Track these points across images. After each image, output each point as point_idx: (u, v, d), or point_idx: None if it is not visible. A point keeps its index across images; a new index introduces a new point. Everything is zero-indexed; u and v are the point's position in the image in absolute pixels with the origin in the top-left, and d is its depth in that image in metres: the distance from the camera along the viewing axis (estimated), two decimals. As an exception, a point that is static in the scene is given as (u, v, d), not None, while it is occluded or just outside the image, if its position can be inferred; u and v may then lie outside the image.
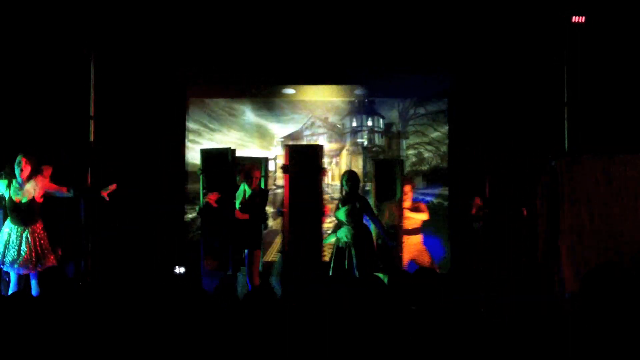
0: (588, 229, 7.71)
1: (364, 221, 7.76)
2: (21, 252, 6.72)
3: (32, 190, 6.82)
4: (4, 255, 6.75)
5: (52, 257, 6.89)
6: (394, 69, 9.18)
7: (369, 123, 10.77)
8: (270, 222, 8.71)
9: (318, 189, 7.42)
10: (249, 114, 10.55)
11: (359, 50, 8.98)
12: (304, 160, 7.40)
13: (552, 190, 7.85)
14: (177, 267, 8.15)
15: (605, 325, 3.49)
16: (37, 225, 6.87)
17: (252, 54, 9.09)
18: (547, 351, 3.45)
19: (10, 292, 6.76)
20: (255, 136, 10.64)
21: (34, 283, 6.84)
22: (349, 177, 7.79)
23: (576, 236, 7.77)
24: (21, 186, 6.83)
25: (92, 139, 8.72)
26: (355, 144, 11.16)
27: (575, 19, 8.17)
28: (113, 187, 7.10)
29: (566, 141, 8.53)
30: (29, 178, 6.83)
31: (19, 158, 6.81)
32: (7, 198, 6.82)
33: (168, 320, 3.74)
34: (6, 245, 6.77)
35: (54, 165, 7.11)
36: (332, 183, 12.46)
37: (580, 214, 7.76)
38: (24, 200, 6.81)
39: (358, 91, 10.48)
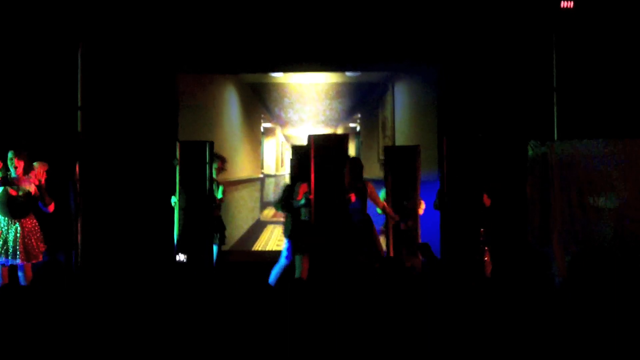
0: (579, 214, 7.76)
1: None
2: (8, 242, 6.69)
3: (28, 186, 6.82)
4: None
5: (40, 252, 6.87)
6: (381, 57, 9.15)
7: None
8: None
9: (343, 177, 7.42)
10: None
11: (347, 37, 8.96)
12: (329, 149, 7.44)
13: (542, 176, 7.88)
14: (179, 254, 8.12)
15: (593, 308, 3.51)
16: (28, 218, 6.86)
17: (241, 39, 9.05)
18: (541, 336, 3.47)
19: None
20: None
21: (20, 275, 6.80)
22: (352, 164, 7.82)
23: (567, 221, 7.81)
24: (17, 180, 6.82)
25: (80, 129, 8.67)
26: (347, 129, 11.12)
27: (564, 4, 8.18)
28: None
29: (555, 127, 8.55)
30: (24, 173, 6.84)
31: (10, 154, 6.81)
32: (0, 192, 6.79)
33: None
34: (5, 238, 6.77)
35: (47, 162, 7.06)
36: None
37: (570, 199, 7.80)
38: (20, 193, 6.81)
39: (350, 73, 10.45)
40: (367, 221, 7.80)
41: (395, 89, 10.76)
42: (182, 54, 9.18)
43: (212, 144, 7.61)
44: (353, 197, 7.63)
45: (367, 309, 3.65)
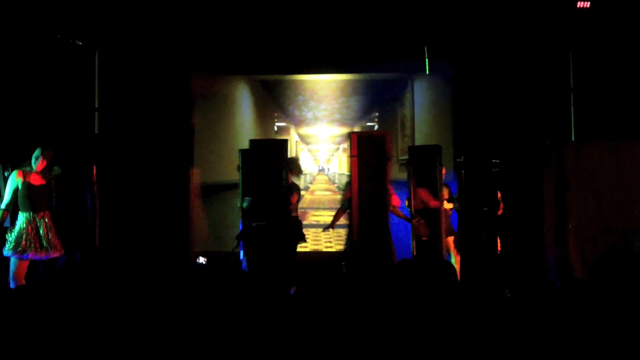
0: (595, 215, 7.73)
1: None
2: (29, 237, 6.78)
3: (47, 177, 7.02)
4: (11, 243, 6.83)
5: (58, 247, 6.98)
6: (395, 56, 9.11)
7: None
8: None
9: (385, 175, 7.38)
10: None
11: (361, 38, 8.93)
12: (371, 148, 7.41)
13: (559, 177, 7.86)
14: (200, 257, 8.17)
15: (615, 310, 3.48)
16: (47, 212, 6.99)
17: (255, 41, 9.05)
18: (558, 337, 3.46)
19: (11, 283, 6.79)
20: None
21: (42, 269, 6.92)
22: None
23: (583, 222, 7.79)
24: (37, 174, 6.98)
25: (97, 131, 8.72)
26: (363, 127, 10.98)
27: (580, 4, 8.14)
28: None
29: (572, 128, 8.51)
30: (43, 171, 7.03)
31: (37, 152, 7.00)
32: (21, 186, 6.92)
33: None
34: (17, 232, 6.86)
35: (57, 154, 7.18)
36: (339, 172, 12.17)
37: (587, 200, 7.78)
38: (36, 184, 6.94)
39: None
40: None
41: (415, 85, 10.51)
42: (196, 56, 9.21)
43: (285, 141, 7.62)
44: (395, 200, 7.62)
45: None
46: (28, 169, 6.98)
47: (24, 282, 6.83)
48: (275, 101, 11.46)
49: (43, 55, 8.42)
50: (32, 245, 6.79)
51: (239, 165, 7.41)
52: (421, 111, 10.37)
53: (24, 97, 8.24)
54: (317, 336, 3.75)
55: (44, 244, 6.86)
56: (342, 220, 8.15)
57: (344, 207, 7.94)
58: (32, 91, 8.32)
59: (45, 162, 7.00)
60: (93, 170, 8.29)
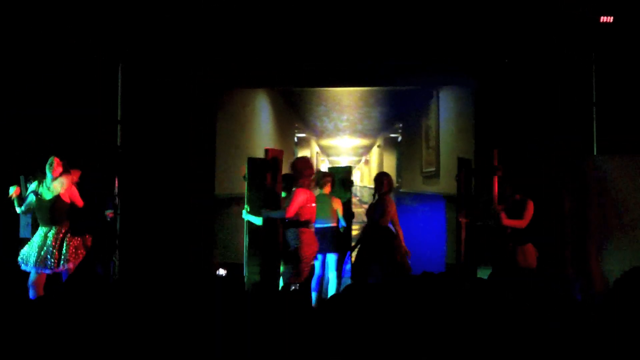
0: (617, 230, 7.68)
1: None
2: (41, 250, 6.83)
3: (59, 186, 6.98)
4: (29, 255, 6.88)
5: (72, 262, 6.97)
6: (419, 71, 9.06)
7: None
8: None
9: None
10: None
11: (383, 52, 8.93)
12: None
13: (580, 191, 7.82)
14: (219, 269, 8.18)
15: (635, 329, 3.46)
16: (63, 226, 6.98)
17: (277, 56, 9.07)
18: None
19: (31, 293, 6.86)
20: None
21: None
22: (377, 179, 7.75)
23: (605, 237, 7.75)
24: (47, 188, 6.99)
25: (119, 143, 8.79)
26: (386, 139, 10.71)
27: (603, 18, 8.09)
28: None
29: (594, 142, 8.46)
30: (57, 183, 7.01)
31: (51, 159, 6.98)
32: (35, 199, 6.97)
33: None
34: (33, 245, 6.92)
35: (82, 170, 7.22)
36: (361, 185, 11.96)
37: (608, 215, 7.73)
38: (48, 197, 6.96)
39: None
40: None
41: (441, 96, 10.29)
42: (221, 71, 9.25)
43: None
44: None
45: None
46: (44, 182, 6.97)
47: (42, 292, 6.89)
48: (295, 112, 11.30)
49: (67, 66, 8.50)
50: (45, 259, 6.85)
51: (245, 175, 7.27)
52: (446, 123, 10.14)
53: (46, 108, 8.33)
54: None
55: (60, 257, 6.90)
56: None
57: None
58: (54, 100, 8.41)
59: (60, 169, 6.96)
60: (115, 182, 8.36)
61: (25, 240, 7.22)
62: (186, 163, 9.00)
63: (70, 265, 6.95)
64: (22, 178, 7.16)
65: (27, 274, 6.98)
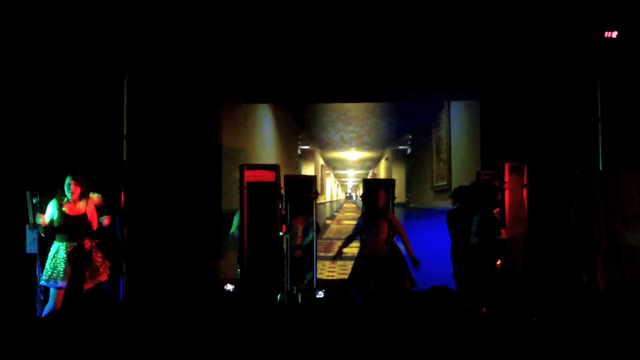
0: (624, 243, 7.70)
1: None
2: (59, 266, 6.82)
3: (83, 204, 6.97)
4: (47, 271, 6.86)
5: (105, 274, 7.02)
6: (425, 88, 9.06)
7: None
8: None
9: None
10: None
11: (389, 67, 8.95)
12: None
13: (587, 204, 7.83)
14: (227, 284, 8.20)
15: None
16: (86, 241, 6.94)
17: (283, 71, 9.10)
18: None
19: (46, 311, 6.84)
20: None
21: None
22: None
23: (611, 249, 7.76)
24: (73, 203, 6.96)
25: (125, 158, 8.79)
26: (395, 151, 10.46)
27: (607, 34, 8.12)
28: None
29: (600, 157, 8.48)
30: (80, 198, 6.98)
31: (68, 180, 6.96)
32: (57, 216, 6.92)
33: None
34: (51, 261, 6.88)
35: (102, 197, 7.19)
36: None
37: (615, 227, 7.75)
38: (72, 214, 6.93)
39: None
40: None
41: (452, 107, 10.11)
42: (224, 84, 9.28)
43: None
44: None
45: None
46: (65, 199, 6.96)
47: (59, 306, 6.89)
48: (299, 123, 11.09)
49: (72, 81, 8.50)
50: (65, 275, 6.82)
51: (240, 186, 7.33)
52: (458, 134, 9.96)
53: (51, 124, 8.32)
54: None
55: (93, 270, 6.90)
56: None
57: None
58: (59, 117, 8.41)
59: (78, 189, 6.93)
60: (121, 197, 8.36)
61: (32, 256, 7.21)
62: (192, 178, 9.02)
63: (105, 277, 6.98)
64: (28, 194, 7.14)
65: (32, 290, 6.96)
